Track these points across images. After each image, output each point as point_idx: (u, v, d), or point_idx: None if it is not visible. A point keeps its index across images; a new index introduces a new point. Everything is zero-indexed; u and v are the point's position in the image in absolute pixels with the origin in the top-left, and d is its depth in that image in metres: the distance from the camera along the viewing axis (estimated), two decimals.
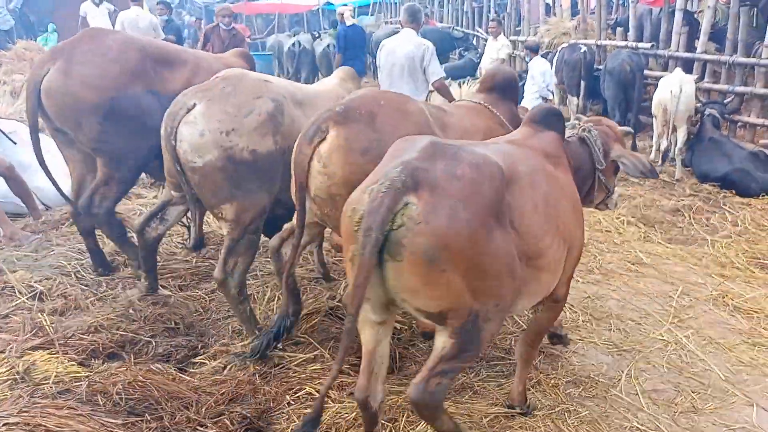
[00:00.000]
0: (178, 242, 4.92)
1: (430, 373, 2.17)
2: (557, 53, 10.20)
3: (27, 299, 3.70)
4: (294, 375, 3.15)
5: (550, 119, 2.90)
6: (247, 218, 3.22)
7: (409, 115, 3.00)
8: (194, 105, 3.07)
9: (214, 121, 3.04)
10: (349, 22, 10.03)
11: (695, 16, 10.21)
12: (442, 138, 2.59)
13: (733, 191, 6.83)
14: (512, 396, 3.02)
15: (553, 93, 9.56)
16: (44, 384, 2.77)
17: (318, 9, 22.14)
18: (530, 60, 9.08)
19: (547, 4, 14.99)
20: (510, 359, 3.45)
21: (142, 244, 3.72)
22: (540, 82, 8.57)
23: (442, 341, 2.17)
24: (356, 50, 9.69)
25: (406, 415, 2.91)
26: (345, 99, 3.04)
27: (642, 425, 2.99)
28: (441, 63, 6.28)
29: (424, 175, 2.01)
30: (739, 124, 8.28)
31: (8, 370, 2.87)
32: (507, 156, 2.41)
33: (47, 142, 5.84)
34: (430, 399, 2.17)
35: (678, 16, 8.93)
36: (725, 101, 8.02)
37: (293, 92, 3.44)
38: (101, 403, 2.67)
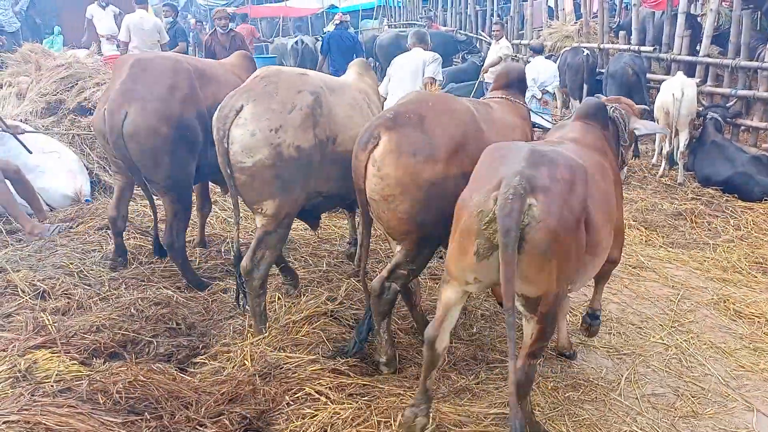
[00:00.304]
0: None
1: (526, 358, 2.58)
2: (560, 56, 10.21)
3: (30, 298, 3.72)
4: (293, 376, 3.15)
5: (597, 113, 3.24)
6: (284, 213, 3.31)
7: (456, 114, 3.12)
8: (242, 107, 3.15)
9: (263, 120, 3.12)
10: (331, 28, 10.38)
11: (698, 19, 10.21)
12: (486, 130, 3.14)
13: (736, 195, 6.80)
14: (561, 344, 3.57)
15: (554, 95, 9.57)
16: (45, 382, 2.79)
17: (322, 12, 22.20)
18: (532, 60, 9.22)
19: (550, 8, 15.00)
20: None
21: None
22: (538, 81, 8.66)
23: (530, 328, 2.57)
24: (342, 53, 9.80)
25: None
26: (395, 104, 3.21)
27: (641, 429, 3.00)
28: (444, 66, 6.32)
29: (537, 181, 2.38)
30: (742, 127, 8.27)
31: (10, 369, 2.88)
32: (581, 156, 2.76)
33: (53, 143, 5.92)
34: (526, 378, 2.61)
35: (681, 19, 8.93)
36: (728, 105, 8.01)
37: (327, 82, 3.57)
38: (101, 401, 2.68)
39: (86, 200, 5.69)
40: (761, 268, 5.12)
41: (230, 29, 8.89)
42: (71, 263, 4.27)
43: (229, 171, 3.17)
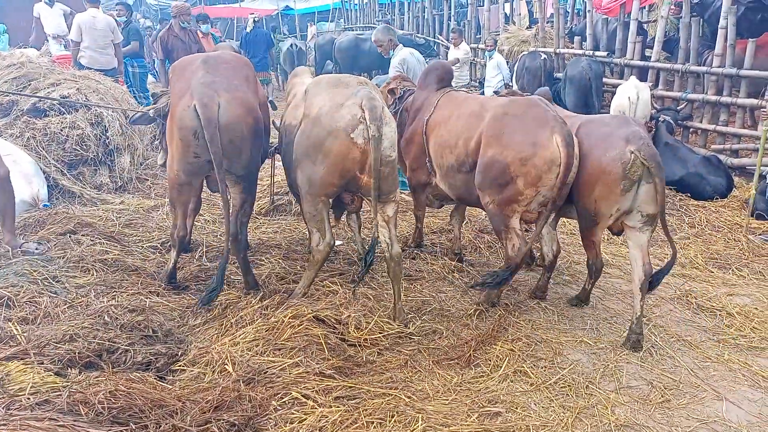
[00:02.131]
0: (149, 247, 4.82)
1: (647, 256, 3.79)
2: (518, 60, 10.43)
3: None
4: (278, 380, 3.12)
5: None
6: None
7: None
8: (383, 107, 3.54)
9: (392, 120, 3.63)
10: (249, 29, 13.21)
11: (644, 26, 10.61)
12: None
13: (689, 194, 7.09)
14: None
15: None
16: (20, 395, 2.67)
17: (277, 14, 22.00)
18: (492, 53, 10.09)
19: (506, 14, 15.32)
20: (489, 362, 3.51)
21: None
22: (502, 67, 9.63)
23: (646, 238, 3.80)
24: (258, 50, 12.68)
25: (394, 416, 2.93)
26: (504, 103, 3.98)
27: (620, 420, 3.09)
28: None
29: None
30: (691, 129, 8.64)
31: None
32: None
33: (6, 146, 5.66)
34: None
35: (633, 26, 9.27)
36: (678, 108, 8.35)
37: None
38: (83, 413, 2.58)
39: (44, 205, 5.46)
40: (717, 263, 5.35)
41: (188, 27, 8.71)
42: (34, 270, 4.09)
43: (379, 165, 3.45)
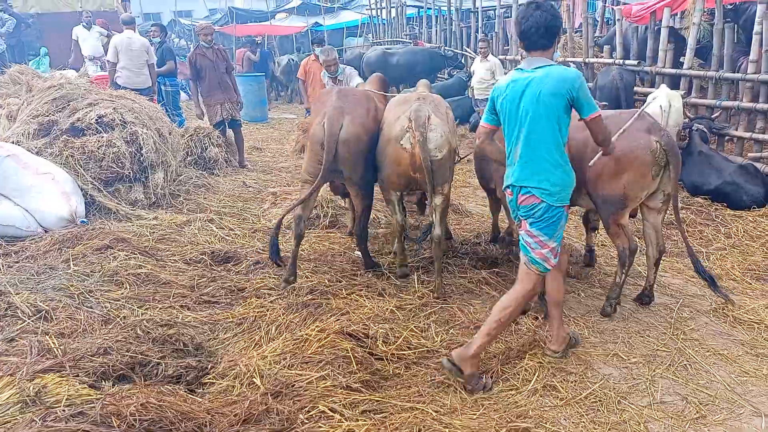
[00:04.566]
0: (182, 261, 4.92)
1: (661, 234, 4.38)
2: None
3: (32, 321, 3.67)
4: (306, 393, 3.14)
5: None
6: (450, 192, 4.64)
7: None
8: (429, 116, 4.30)
9: (444, 126, 4.37)
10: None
11: (680, 32, 10.44)
12: None
13: (725, 204, 6.92)
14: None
15: None
16: (56, 407, 2.75)
17: (307, 30, 22.33)
18: None
19: None
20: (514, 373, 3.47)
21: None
22: None
23: (661, 219, 4.39)
24: (261, 65, 16.72)
25: (420, 431, 2.92)
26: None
27: None
28: (432, 82, 6.70)
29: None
30: (727, 138, 8.44)
31: (18, 393, 2.84)
32: None
33: (46, 164, 5.87)
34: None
35: (664, 33, 9.13)
36: (713, 116, 8.18)
37: None
38: (116, 425, 2.64)
39: (82, 221, 5.63)
40: (755, 274, 5.19)
41: (213, 44, 8.89)
42: (71, 285, 4.22)
43: (426, 163, 4.22)
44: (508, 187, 3.41)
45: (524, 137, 3.25)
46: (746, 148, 8.15)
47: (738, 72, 8.31)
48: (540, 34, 3.18)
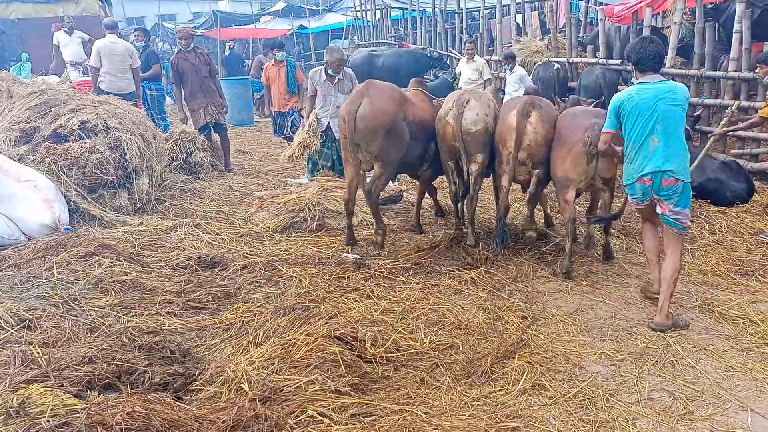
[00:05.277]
0: (168, 267, 4.87)
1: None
2: (532, 71, 10.43)
3: (15, 330, 3.62)
4: (294, 398, 3.13)
5: None
6: (485, 162, 5.46)
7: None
8: (469, 100, 5.31)
9: (481, 108, 5.32)
10: (227, 53, 17.27)
11: (661, 32, 10.54)
12: None
13: (708, 201, 6.99)
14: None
15: None
16: (40, 418, 2.71)
17: (292, 33, 22.29)
18: (511, 67, 9.71)
19: (518, 25, 15.32)
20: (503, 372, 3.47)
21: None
22: (525, 81, 9.33)
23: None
24: (234, 67, 17.20)
25: None
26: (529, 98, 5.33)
27: None
28: None
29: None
30: (710, 135, 8.51)
31: (2, 405, 2.79)
32: None
33: (28, 171, 5.80)
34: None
35: (646, 33, 9.21)
36: (695, 113, 8.26)
37: None
38: None
39: (66, 228, 5.57)
40: (739, 270, 5.24)
41: (194, 47, 8.83)
42: (55, 293, 4.17)
43: (460, 135, 5.21)
44: (645, 175, 4.05)
45: (661, 131, 3.98)
46: (729, 145, 8.24)
47: (719, 70, 8.40)
48: (656, 61, 4.06)
